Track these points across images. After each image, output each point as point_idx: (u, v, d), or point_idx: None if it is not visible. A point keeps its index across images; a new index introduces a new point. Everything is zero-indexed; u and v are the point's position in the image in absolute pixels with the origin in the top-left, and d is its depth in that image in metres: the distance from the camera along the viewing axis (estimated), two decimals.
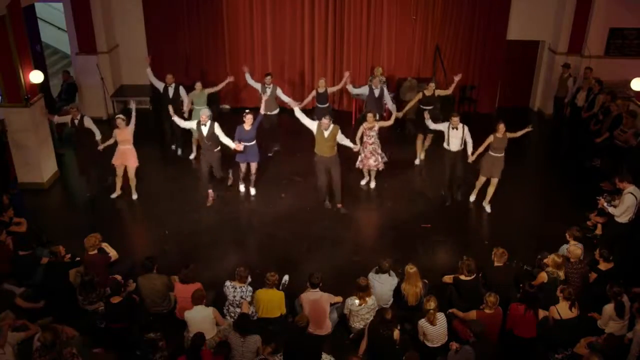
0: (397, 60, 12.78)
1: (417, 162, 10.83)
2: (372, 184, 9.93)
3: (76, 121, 9.20)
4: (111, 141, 9.15)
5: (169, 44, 12.52)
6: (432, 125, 9.30)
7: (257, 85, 10.46)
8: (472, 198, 9.52)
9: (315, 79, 12.60)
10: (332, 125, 8.73)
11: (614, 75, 11.44)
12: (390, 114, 10.14)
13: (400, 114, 10.35)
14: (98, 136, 9.24)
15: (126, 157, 9.22)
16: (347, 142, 8.93)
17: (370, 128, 9.32)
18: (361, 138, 9.42)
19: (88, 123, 9.23)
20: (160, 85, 10.45)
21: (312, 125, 8.88)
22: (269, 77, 10.36)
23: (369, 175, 9.93)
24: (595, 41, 12.01)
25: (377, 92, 10.53)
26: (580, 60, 12.10)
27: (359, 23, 12.42)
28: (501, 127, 8.74)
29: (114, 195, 9.50)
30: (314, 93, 10.61)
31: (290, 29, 12.54)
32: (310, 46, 12.66)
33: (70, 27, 12.01)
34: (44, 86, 10.49)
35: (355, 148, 9.12)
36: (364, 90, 10.88)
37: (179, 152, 10.97)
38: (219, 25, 12.50)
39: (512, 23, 12.51)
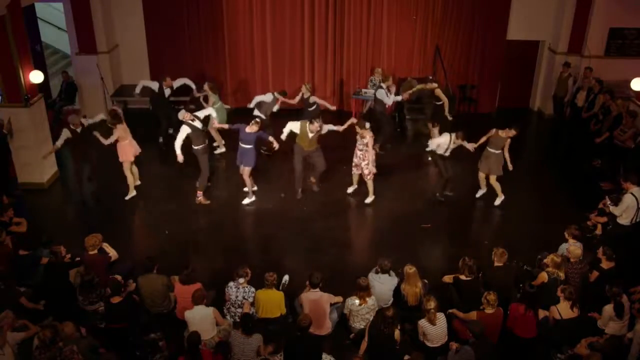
0: (397, 60, 12.77)
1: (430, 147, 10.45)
2: (352, 196, 9.62)
3: (79, 129, 9.02)
4: (112, 139, 9.02)
5: (169, 44, 12.51)
6: (437, 140, 9.12)
7: (268, 98, 10.44)
8: (479, 194, 9.50)
9: (315, 79, 12.63)
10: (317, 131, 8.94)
11: (614, 75, 11.44)
12: (392, 109, 10.06)
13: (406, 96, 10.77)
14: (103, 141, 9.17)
15: (131, 151, 9.20)
16: (332, 127, 9.17)
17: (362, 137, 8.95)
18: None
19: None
20: (154, 86, 10.65)
21: (294, 126, 9.08)
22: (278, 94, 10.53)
23: (358, 183, 9.57)
24: (595, 41, 12.00)
25: (378, 94, 10.54)
26: (580, 60, 12.09)
27: (359, 23, 12.41)
28: (511, 131, 8.76)
29: (128, 197, 9.45)
30: (298, 98, 10.84)
31: (290, 28, 12.52)
32: (310, 46, 12.64)
33: (70, 27, 12.01)
34: (43, 87, 10.49)
35: (340, 129, 9.24)
36: (369, 95, 10.96)
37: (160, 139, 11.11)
38: (219, 25, 12.49)
39: (512, 23, 12.50)
